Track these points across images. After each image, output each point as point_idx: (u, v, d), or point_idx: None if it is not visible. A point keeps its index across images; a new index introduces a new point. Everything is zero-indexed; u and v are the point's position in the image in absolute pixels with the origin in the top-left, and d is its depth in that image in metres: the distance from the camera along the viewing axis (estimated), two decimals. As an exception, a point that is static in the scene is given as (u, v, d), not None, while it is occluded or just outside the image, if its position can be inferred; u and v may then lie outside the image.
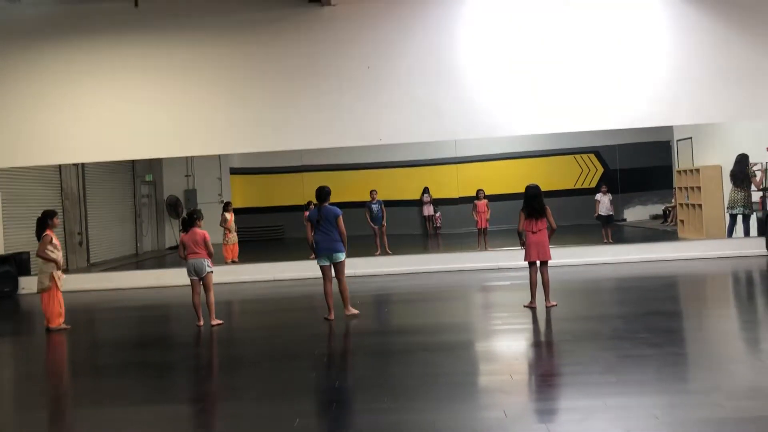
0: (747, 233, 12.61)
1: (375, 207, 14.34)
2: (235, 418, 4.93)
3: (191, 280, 8.18)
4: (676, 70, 11.78)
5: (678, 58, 11.80)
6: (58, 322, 8.53)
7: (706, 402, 4.52)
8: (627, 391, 4.83)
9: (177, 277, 12.04)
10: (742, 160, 12.55)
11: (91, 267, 15.92)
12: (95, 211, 16.97)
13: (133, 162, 18.71)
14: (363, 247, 13.40)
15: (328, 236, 7.96)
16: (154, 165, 20.25)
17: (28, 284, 12.16)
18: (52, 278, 8.52)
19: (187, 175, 20.92)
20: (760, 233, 12.25)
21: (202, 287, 8.23)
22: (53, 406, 5.68)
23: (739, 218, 12.66)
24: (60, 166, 15.24)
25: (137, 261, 17.50)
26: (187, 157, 20.29)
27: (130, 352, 7.44)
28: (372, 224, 14.24)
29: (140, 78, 12.13)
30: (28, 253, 12.63)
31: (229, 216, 14.38)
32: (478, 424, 4.37)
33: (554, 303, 7.99)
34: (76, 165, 15.86)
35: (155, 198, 20.55)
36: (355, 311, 8.14)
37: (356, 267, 11.49)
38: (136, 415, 5.04)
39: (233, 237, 14.24)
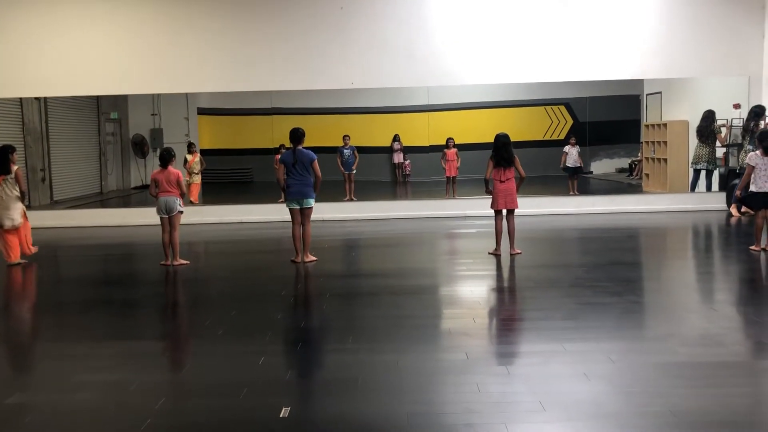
0: (709, 188, 12.86)
1: (347, 152, 14.25)
2: (200, 355, 4.96)
3: (161, 218, 8.10)
4: (650, 23, 11.80)
5: (652, 12, 11.80)
6: (32, 251, 8.65)
7: (661, 348, 4.67)
8: (586, 336, 4.96)
9: (142, 216, 11.93)
10: (709, 116, 12.70)
11: (54, 204, 15.64)
12: (59, 147, 16.55)
13: (97, 98, 18.21)
14: (332, 193, 13.35)
15: (301, 180, 7.89)
16: (119, 102, 19.74)
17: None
18: (23, 214, 8.44)
19: (153, 114, 20.44)
20: (722, 188, 12.50)
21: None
22: (15, 341, 5.64)
23: (703, 173, 12.89)
24: (21, 99, 14.76)
25: (102, 199, 17.24)
26: (153, 96, 19.79)
27: (94, 290, 7.39)
28: (342, 169, 14.19)
29: (105, 11, 11.71)
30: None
31: (190, 157, 14.17)
32: (440, 364, 4.47)
33: (519, 251, 8.11)
34: (38, 99, 15.38)
35: (121, 136, 20.10)
36: (314, 258, 8.13)
37: (325, 212, 11.47)
38: (100, 351, 5.03)
39: (192, 178, 14.03)
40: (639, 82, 16.20)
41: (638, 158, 17.43)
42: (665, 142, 14.14)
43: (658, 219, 11.41)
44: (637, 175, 17.31)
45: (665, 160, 14.11)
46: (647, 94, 16.39)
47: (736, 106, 12.53)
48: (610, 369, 4.26)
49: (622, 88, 18.33)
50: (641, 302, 6.15)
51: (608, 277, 6.89)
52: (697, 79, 13.36)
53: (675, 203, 12.27)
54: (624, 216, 11.74)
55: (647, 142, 15.17)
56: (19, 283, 7.80)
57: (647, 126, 15.48)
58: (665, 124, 14.27)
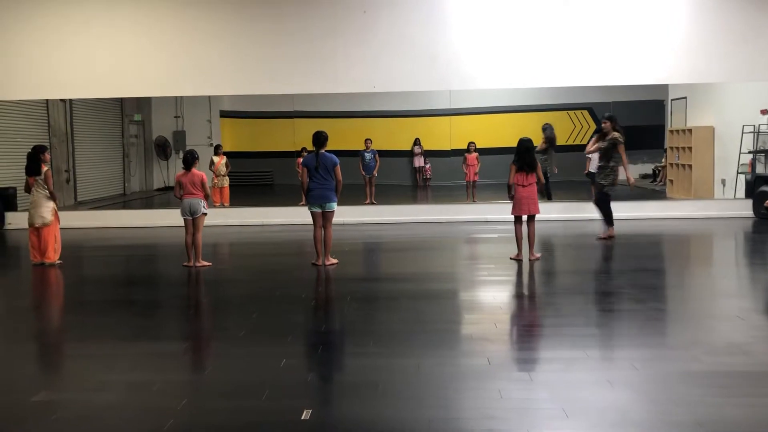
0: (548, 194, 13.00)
1: (368, 155, 14.29)
2: (222, 357, 4.98)
3: (185, 219, 8.17)
4: (677, 27, 11.64)
5: (679, 16, 11.66)
6: (55, 257, 8.59)
7: (685, 356, 4.61)
8: (609, 343, 4.92)
9: (164, 217, 12.05)
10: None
11: (78, 205, 15.84)
12: (83, 149, 16.79)
13: (121, 100, 18.43)
14: (352, 196, 13.38)
15: (324, 185, 7.90)
16: (142, 105, 19.97)
17: (14, 220, 12.10)
18: (54, 213, 8.55)
19: (176, 116, 20.66)
20: (748, 195, 12.33)
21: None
22: (41, 340, 5.71)
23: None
24: (47, 101, 14.97)
25: (125, 201, 17.42)
26: (176, 98, 20.00)
27: (118, 290, 7.46)
28: (363, 173, 14.23)
29: (131, 14, 11.83)
30: (14, 188, 12.49)
31: (217, 159, 14.21)
32: (461, 369, 4.45)
33: (537, 256, 8.05)
34: (63, 101, 15.61)
35: (144, 138, 20.33)
36: (335, 261, 8.15)
37: (345, 215, 11.48)
38: (123, 351, 5.07)
39: (221, 180, 14.09)
40: (664, 87, 16.05)
41: (662, 164, 17.27)
42: (690, 148, 13.98)
43: (682, 225, 11.27)
44: (661, 181, 17.14)
45: (690, 166, 13.95)
46: (672, 99, 16.23)
47: (764, 112, 12.37)
48: (634, 377, 4.21)
49: (647, 92, 18.19)
50: (665, 310, 6.07)
51: (631, 283, 6.82)
52: (723, 84, 13.21)
53: (699, 210, 12.10)
54: (648, 222, 11.61)
55: (672, 148, 15.02)
56: (43, 283, 7.90)
57: (672, 131, 15.32)
58: (690, 130, 14.12)
